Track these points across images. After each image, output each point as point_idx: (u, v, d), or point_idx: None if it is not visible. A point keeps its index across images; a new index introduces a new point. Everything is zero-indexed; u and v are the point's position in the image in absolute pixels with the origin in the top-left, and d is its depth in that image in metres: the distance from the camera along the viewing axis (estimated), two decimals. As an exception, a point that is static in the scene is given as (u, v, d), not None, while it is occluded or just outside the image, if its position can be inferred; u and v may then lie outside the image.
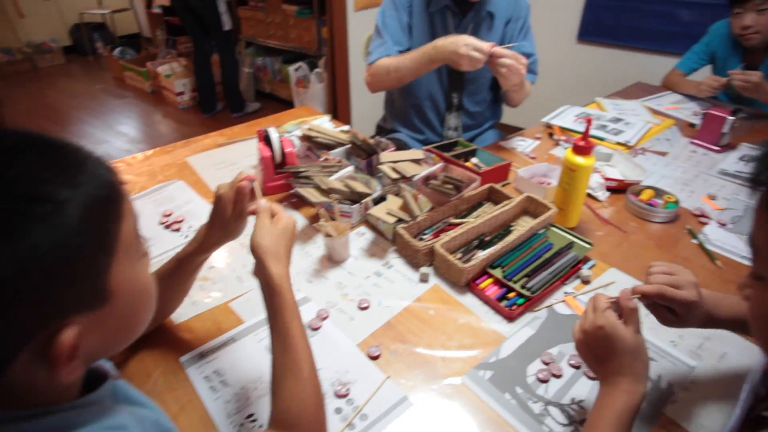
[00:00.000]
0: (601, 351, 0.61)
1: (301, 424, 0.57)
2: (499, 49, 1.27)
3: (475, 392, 0.73)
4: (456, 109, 1.65)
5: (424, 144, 1.58)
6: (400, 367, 0.77)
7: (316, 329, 0.83)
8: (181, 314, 0.85)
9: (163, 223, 1.12)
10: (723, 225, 1.15)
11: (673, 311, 0.66)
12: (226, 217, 0.71)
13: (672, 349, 0.81)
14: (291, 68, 3.19)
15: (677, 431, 0.68)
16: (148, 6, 4.68)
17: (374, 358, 0.78)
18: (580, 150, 1.00)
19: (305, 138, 1.28)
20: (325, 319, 0.85)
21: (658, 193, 1.21)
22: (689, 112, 1.81)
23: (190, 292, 0.81)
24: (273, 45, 3.70)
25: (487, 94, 1.66)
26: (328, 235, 0.95)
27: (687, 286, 0.65)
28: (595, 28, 3.02)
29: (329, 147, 1.28)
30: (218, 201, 0.71)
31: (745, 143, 1.55)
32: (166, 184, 1.27)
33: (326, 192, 1.05)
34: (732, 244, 1.07)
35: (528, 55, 1.42)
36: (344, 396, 0.72)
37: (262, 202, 0.72)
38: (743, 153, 1.50)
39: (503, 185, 1.26)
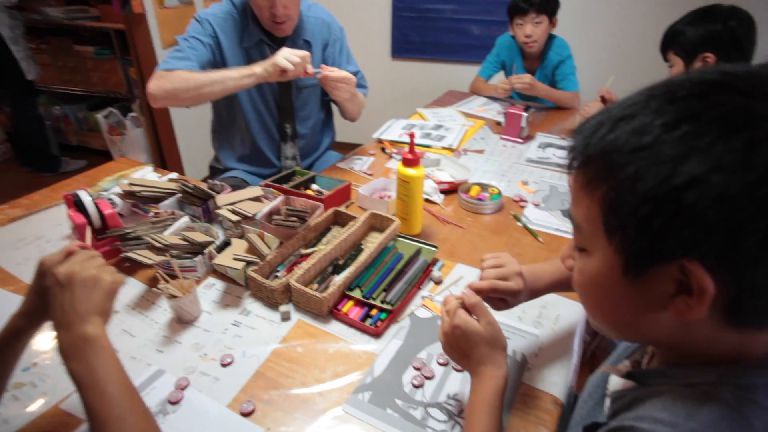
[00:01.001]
0: (462, 347, 0.66)
1: None
2: (329, 73, 1.37)
3: (358, 417, 0.73)
4: (291, 138, 1.65)
5: (264, 179, 1.56)
6: (279, 415, 0.73)
7: (175, 403, 0.75)
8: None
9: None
10: (537, 205, 1.33)
11: (503, 299, 0.76)
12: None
13: (519, 324, 0.90)
14: (99, 115, 2.85)
15: (535, 394, 0.77)
16: None
17: (248, 414, 0.73)
18: (409, 162, 1.07)
19: (127, 195, 1.16)
20: (185, 388, 0.77)
21: (484, 187, 1.36)
22: (495, 111, 2.08)
23: None
24: (71, 91, 3.26)
25: (318, 117, 1.69)
26: (172, 296, 0.86)
27: (513, 277, 0.75)
28: (405, 45, 3.32)
29: (157, 200, 1.17)
30: (43, 275, 0.63)
31: (540, 132, 1.83)
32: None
33: (163, 250, 0.96)
34: (547, 221, 1.25)
35: (355, 73, 1.51)
36: (222, 467, 0.66)
37: None
38: (540, 141, 1.76)
39: (347, 206, 1.29)
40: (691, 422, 0.39)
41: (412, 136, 1.06)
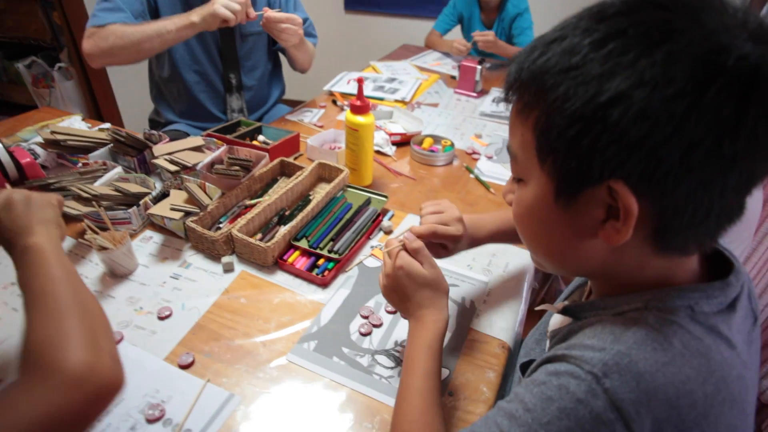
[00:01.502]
0: (404, 290, 0.64)
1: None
2: (272, 14, 1.29)
3: (303, 365, 0.71)
4: (236, 90, 1.55)
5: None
6: (220, 366, 0.70)
7: (109, 358, 0.70)
8: None
9: None
10: (490, 158, 1.33)
11: (444, 246, 0.74)
12: None
13: (469, 272, 0.90)
14: (20, 65, 2.59)
15: (483, 338, 0.77)
16: None
17: (187, 366, 0.70)
18: (357, 110, 1.03)
19: (49, 144, 1.06)
20: (119, 342, 0.73)
21: (436, 139, 1.34)
22: (450, 66, 2.05)
23: None
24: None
25: (266, 67, 1.61)
26: (102, 249, 0.80)
27: (453, 222, 0.74)
28: (358, -1, 3.18)
29: (86, 150, 1.08)
30: None
31: (495, 87, 1.81)
32: None
33: (92, 200, 0.89)
34: (499, 173, 1.25)
35: (303, 20, 1.43)
36: (159, 419, 0.63)
37: None
38: (494, 95, 1.75)
39: (296, 158, 1.24)
40: (618, 345, 0.39)
41: (360, 81, 1.01)
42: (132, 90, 2.57)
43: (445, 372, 0.71)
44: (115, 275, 0.84)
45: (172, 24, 1.23)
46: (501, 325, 0.80)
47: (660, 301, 0.42)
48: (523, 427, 0.40)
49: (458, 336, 0.77)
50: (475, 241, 0.79)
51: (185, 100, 1.51)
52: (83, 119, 1.29)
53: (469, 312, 0.82)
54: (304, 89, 2.03)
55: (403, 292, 0.64)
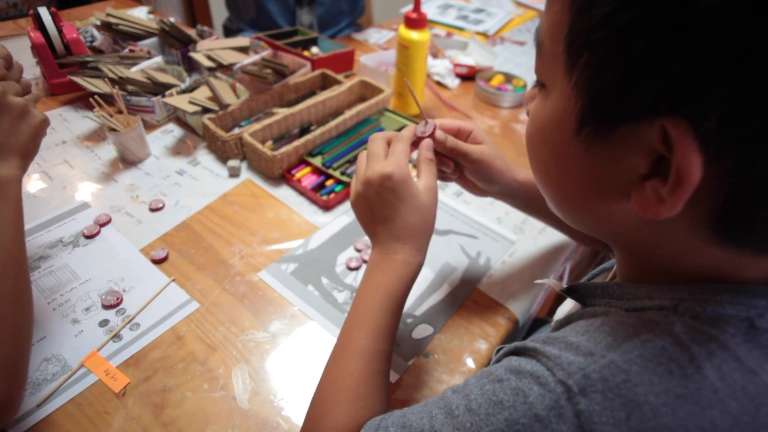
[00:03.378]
0: (382, 207, 0.47)
1: None
2: None
3: (273, 287, 0.64)
4: (308, 2, 1.46)
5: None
6: (189, 268, 0.65)
7: (90, 237, 0.68)
8: None
9: None
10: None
11: (475, 184, 0.56)
12: None
13: (496, 226, 0.77)
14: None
15: (488, 303, 0.65)
16: None
17: (159, 261, 0.66)
18: (412, 23, 0.90)
19: (104, 27, 1.05)
20: (105, 224, 0.71)
21: (508, 78, 1.16)
22: (554, 5, 1.77)
23: None
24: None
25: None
26: (112, 130, 0.78)
27: (485, 140, 0.54)
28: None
29: (137, 37, 1.06)
30: None
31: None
32: None
33: (117, 83, 0.87)
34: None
35: None
36: (114, 306, 0.60)
37: None
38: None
39: (347, 76, 1.14)
40: (614, 353, 0.26)
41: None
42: None
43: (427, 330, 0.61)
44: (126, 161, 0.82)
45: None
46: (515, 293, 0.66)
47: (700, 302, 0.27)
48: (458, 431, 0.30)
49: (458, 293, 0.65)
50: (513, 184, 0.56)
51: (254, 8, 1.45)
52: (150, 12, 1.28)
53: (481, 269, 0.69)
54: (383, 12, 1.86)
55: (380, 209, 0.47)
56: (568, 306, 0.44)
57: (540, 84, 0.33)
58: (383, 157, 0.48)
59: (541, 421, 0.26)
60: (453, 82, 1.15)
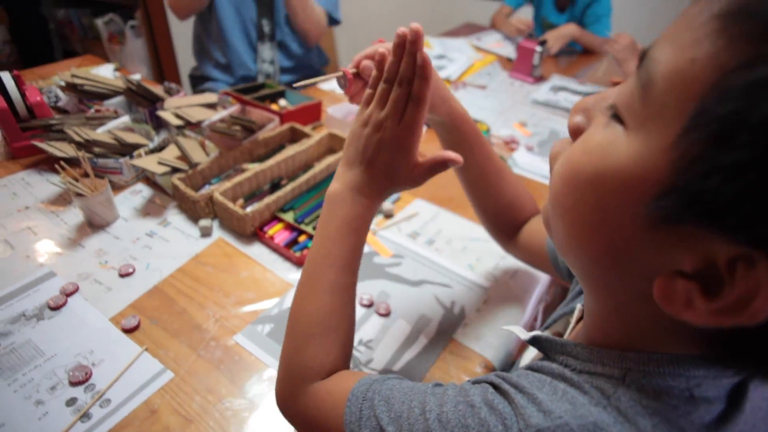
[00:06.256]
0: (369, 145, 0.48)
1: None
2: None
3: (249, 350, 0.63)
4: (269, 39, 1.50)
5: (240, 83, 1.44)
6: (161, 336, 0.64)
7: (55, 308, 0.66)
8: None
9: None
10: (530, 149, 1.18)
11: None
12: None
13: (469, 273, 0.78)
14: (100, 21, 2.70)
15: (464, 353, 0.66)
16: None
17: (130, 330, 0.64)
18: (376, 78, 0.93)
19: (69, 88, 1.05)
20: (72, 294, 0.69)
21: (471, 124, 1.21)
22: (511, 49, 1.87)
23: None
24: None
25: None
26: (78, 195, 0.77)
27: None
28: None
29: (103, 96, 1.07)
30: None
31: (556, 74, 1.63)
32: None
33: (85, 146, 0.86)
34: (538, 167, 1.10)
35: None
36: (83, 382, 0.58)
37: None
38: (554, 84, 1.57)
39: (314, 127, 1.16)
40: (570, 417, 0.28)
41: (381, 41, 0.90)
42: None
43: (407, 383, 0.61)
44: (93, 225, 0.81)
45: None
46: (490, 341, 0.68)
47: (645, 374, 0.29)
48: None
49: (434, 345, 0.66)
50: (451, 113, 0.59)
51: (221, 49, 1.47)
52: (116, 69, 1.29)
53: (455, 319, 0.70)
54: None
55: (368, 152, 0.48)
56: (532, 353, 0.45)
57: (614, 115, 0.29)
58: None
59: None
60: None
